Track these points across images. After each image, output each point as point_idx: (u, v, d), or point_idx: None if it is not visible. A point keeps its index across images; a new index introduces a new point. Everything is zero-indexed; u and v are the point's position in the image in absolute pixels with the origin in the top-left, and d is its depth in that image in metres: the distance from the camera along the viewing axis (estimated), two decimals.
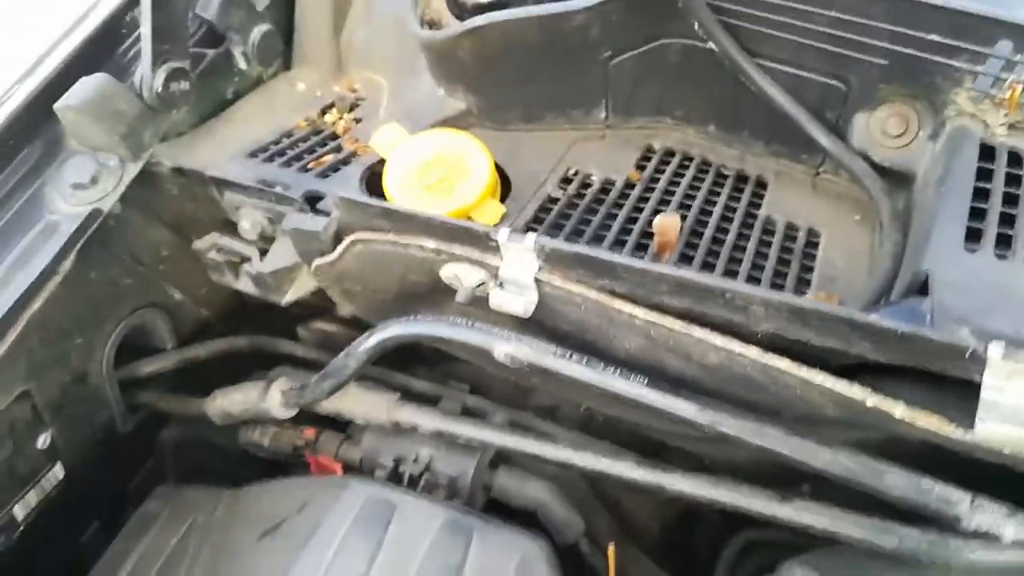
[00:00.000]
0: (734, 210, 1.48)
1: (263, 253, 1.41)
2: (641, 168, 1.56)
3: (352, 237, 1.22)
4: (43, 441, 1.34)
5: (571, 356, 1.08)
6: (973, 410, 0.89)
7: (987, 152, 1.26)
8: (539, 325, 1.17)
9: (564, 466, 1.25)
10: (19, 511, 1.31)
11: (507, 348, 1.10)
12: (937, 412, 0.91)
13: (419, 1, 1.61)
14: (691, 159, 1.59)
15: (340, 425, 1.48)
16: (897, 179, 1.39)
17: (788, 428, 1.00)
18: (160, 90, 1.32)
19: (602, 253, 1.07)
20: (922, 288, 1.09)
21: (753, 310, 1.00)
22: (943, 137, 1.33)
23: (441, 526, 1.18)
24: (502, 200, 1.46)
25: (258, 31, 1.56)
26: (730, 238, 1.41)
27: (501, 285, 1.14)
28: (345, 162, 1.48)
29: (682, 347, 1.05)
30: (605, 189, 1.51)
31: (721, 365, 1.03)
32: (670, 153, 1.60)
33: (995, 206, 1.18)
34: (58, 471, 1.38)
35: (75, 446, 1.41)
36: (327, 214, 1.27)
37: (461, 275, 1.16)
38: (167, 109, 1.36)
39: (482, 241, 1.12)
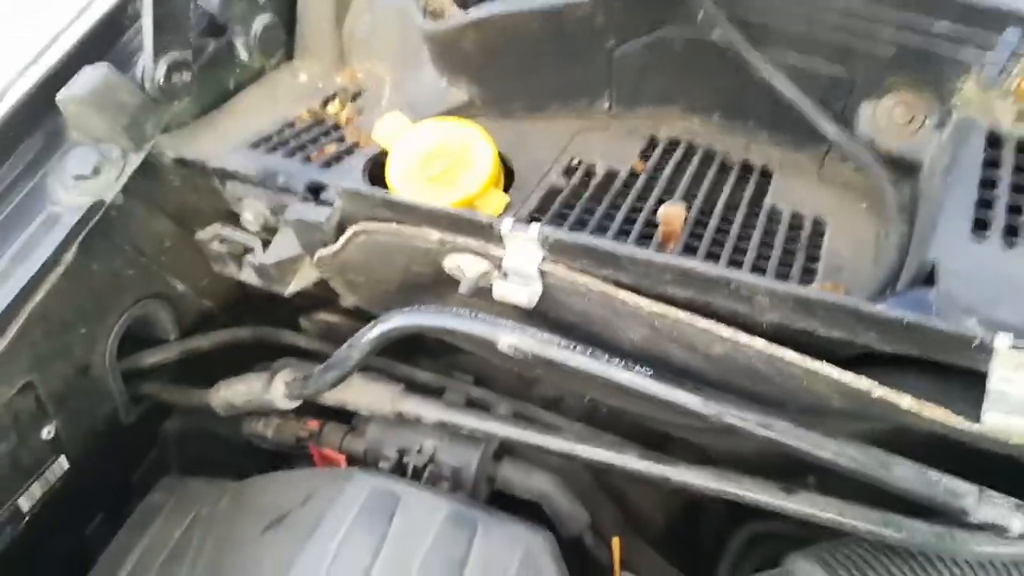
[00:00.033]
0: (739, 200, 1.47)
1: (266, 244, 1.40)
2: (645, 158, 1.55)
3: (355, 228, 1.21)
4: (47, 433, 1.34)
5: (575, 347, 1.08)
6: (980, 401, 0.88)
7: (994, 141, 1.25)
8: (543, 316, 1.17)
9: (568, 457, 1.25)
10: (24, 503, 1.32)
11: (511, 339, 1.10)
12: (944, 403, 0.90)
13: None
14: (695, 149, 1.58)
15: (344, 416, 1.48)
16: (903, 169, 1.38)
17: (794, 420, 0.99)
18: (162, 81, 1.32)
19: (606, 243, 1.07)
20: (928, 278, 1.08)
21: (758, 300, 0.99)
22: (950, 126, 1.32)
23: (445, 518, 1.18)
24: (505, 190, 1.45)
25: (260, 22, 1.55)
26: (735, 228, 1.40)
27: (505, 275, 1.13)
28: (348, 152, 1.47)
29: (687, 338, 1.04)
30: (609, 179, 1.51)
31: (726, 356, 1.03)
32: (674, 143, 1.59)
33: (1002, 196, 1.17)
34: (62, 463, 1.38)
35: (79, 438, 1.41)
36: (330, 204, 1.27)
37: (464, 266, 1.15)
38: (169, 100, 1.36)
39: (485, 231, 1.11)
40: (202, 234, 1.49)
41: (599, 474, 1.50)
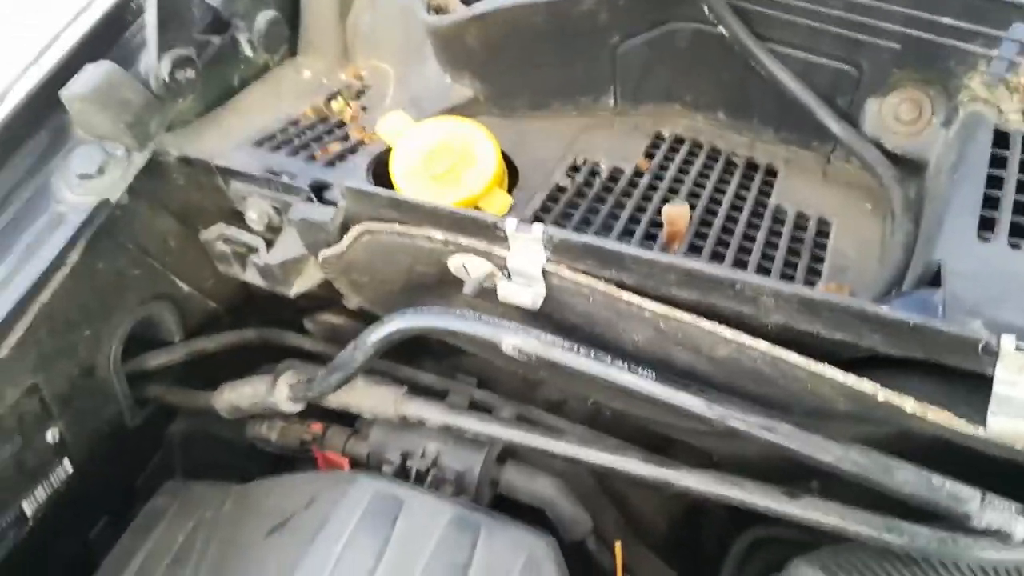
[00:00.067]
0: (744, 199, 1.46)
1: (270, 244, 1.40)
2: (650, 156, 1.55)
3: (359, 227, 1.21)
4: (52, 435, 1.34)
5: (579, 349, 1.07)
6: (985, 404, 0.88)
7: (1001, 138, 1.24)
8: (547, 317, 1.16)
9: (571, 461, 1.25)
10: (28, 506, 1.32)
11: (515, 340, 1.09)
12: (949, 406, 0.89)
13: None
14: (700, 147, 1.58)
15: (347, 419, 1.47)
16: (909, 167, 1.37)
17: (797, 423, 0.99)
18: (166, 78, 1.31)
19: (610, 243, 1.06)
20: (934, 279, 1.07)
21: (763, 301, 0.99)
22: (956, 123, 1.31)
23: (448, 522, 1.18)
24: (510, 189, 1.45)
25: (263, 18, 1.54)
26: (740, 228, 1.39)
27: (509, 276, 1.13)
28: (352, 151, 1.47)
29: (691, 339, 1.04)
30: (613, 178, 1.50)
31: (730, 358, 1.02)
32: (679, 140, 1.59)
33: (1009, 194, 1.17)
34: (67, 466, 1.38)
35: (83, 440, 1.41)
36: (334, 204, 1.26)
37: (469, 266, 1.15)
38: (173, 98, 1.35)
39: (490, 231, 1.11)
40: (206, 234, 1.49)
41: (602, 478, 1.50)
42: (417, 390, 1.41)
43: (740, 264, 1.33)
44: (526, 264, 1.10)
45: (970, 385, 0.90)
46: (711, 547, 1.55)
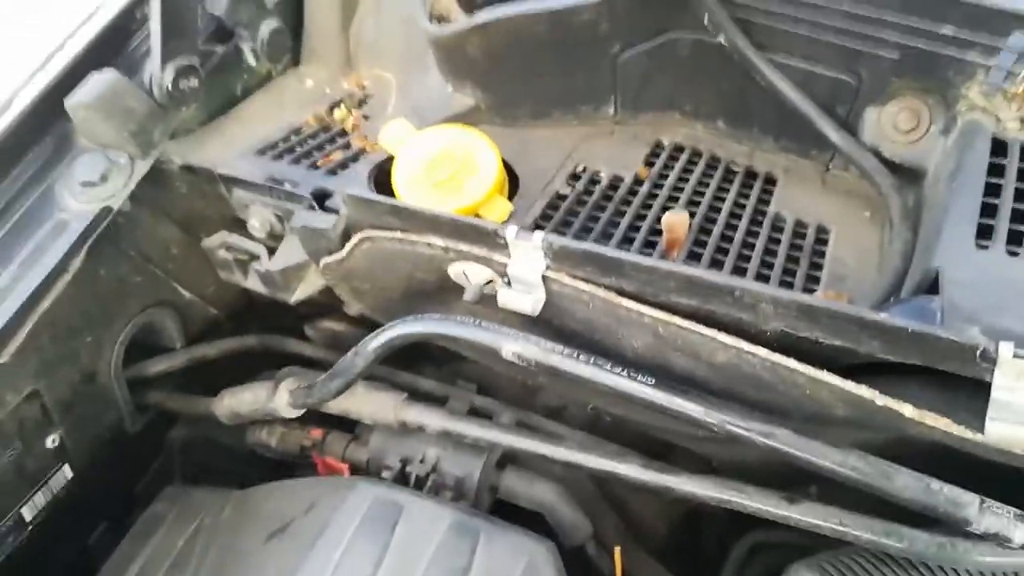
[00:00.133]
0: (743, 207, 1.47)
1: (272, 251, 1.40)
2: (650, 164, 1.56)
3: (360, 235, 1.21)
4: (52, 441, 1.34)
5: (578, 355, 1.07)
6: (983, 410, 0.88)
7: (999, 147, 1.25)
8: (547, 324, 1.17)
9: (571, 467, 1.24)
10: (28, 511, 1.32)
11: (514, 347, 1.09)
12: (947, 413, 0.90)
13: None
14: (700, 155, 1.59)
15: (347, 425, 1.48)
16: (908, 175, 1.38)
17: (796, 429, 0.99)
18: (170, 87, 1.32)
19: (610, 251, 1.07)
20: (932, 286, 1.08)
21: (762, 308, 0.99)
22: (955, 132, 1.32)
23: (448, 528, 1.18)
24: (510, 197, 1.45)
25: (267, 27, 1.55)
26: (739, 235, 1.40)
27: (509, 283, 1.13)
28: (354, 159, 1.47)
29: (690, 346, 1.04)
30: (613, 186, 1.51)
31: (729, 364, 1.02)
32: (679, 149, 1.60)
33: (1007, 202, 1.17)
34: (66, 471, 1.38)
35: (84, 446, 1.41)
36: (335, 212, 1.27)
37: (469, 273, 1.15)
38: (177, 106, 1.36)
39: (490, 238, 1.11)
40: (208, 241, 1.49)
41: (601, 483, 1.50)
42: (417, 396, 1.41)
43: (739, 271, 1.33)
44: (526, 271, 1.10)
45: (968, 391, 0.90)
46: (711, 552, 1.55)
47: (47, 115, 1.32)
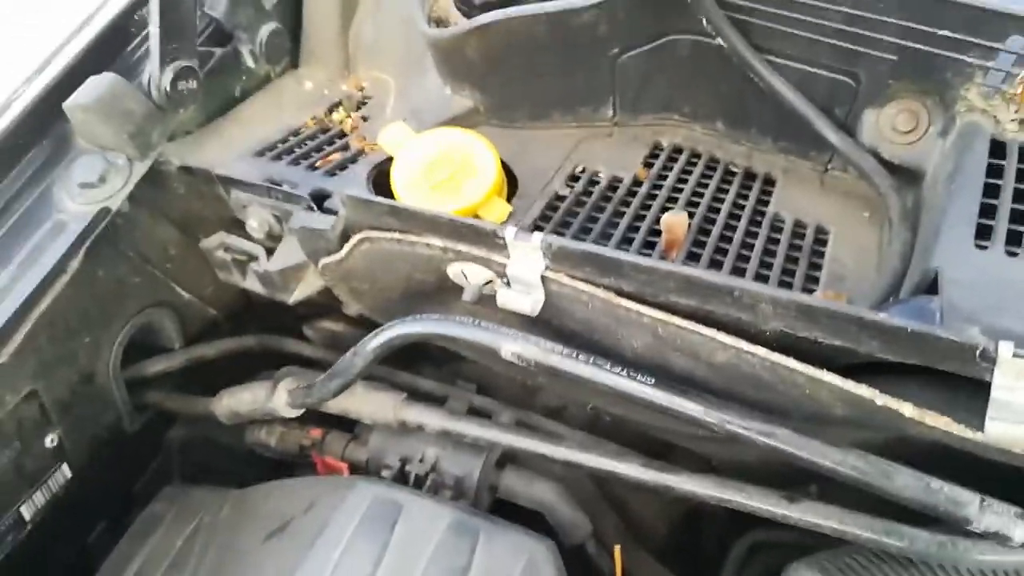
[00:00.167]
0: (742, 208, 1.47)
1: (270, 252, 1.41)
2: (649, 166, 1.56)
3: (359, 236, 1.22)
4: (50, 441, 1.34)
5: (578, 355, 1.07)
6: (983, 410, 0.88)
7: (998, 148, 1.25)
8: (546, 324, 1.17)
9: (571, 466, 1.24)
10: (26, 511, 1.31)
11: (514, 347, 1.09)
12: (947, 412, 0.90)
13: None
14: (699, 156, 1.59)
15: (347, 425, 1.48)
16: (906, 176, 1.38)
17: (796, 428, 0.99)
18: (168, 89, 1.32)
19: (609, 251, 1.06)
20: (931, 286, 1.08)
21: (761, 308, 0.99)
22: (953, 133, 1.32)
23: (447, 527, 1.18)
24: (509, 198, 1.45)
25: (266, 29, 1.55)
26: (738, 236, 1.40)
27: (508, 283, 1.13)
28: (352, 160, 1.47)
29: (690, 346, 1.04)
30: (612, 187, 1.51)
31: (729, 364, 1.02)
32: (678, 150, 1.60)
33: (1005, 203, 1.17)
34: (65, 471, 1.38)
35: (82, 446, 1.41)
36: (334, 212, 1.27)
37: (468, 273, 1.15)
38: (175, 108, 1.36)
39: (489, 239, 1.11)
40: (207, 242, 1.49)
41: (601, 483, 1.50)
42: (416, 396, 1.41)
43: (738, 272, 1.33)
44: (525, 271, 1.10)
45: (968, 391, 0.90)
46: (711, 551, 1.55)
47: (46, 116, 1.33)
